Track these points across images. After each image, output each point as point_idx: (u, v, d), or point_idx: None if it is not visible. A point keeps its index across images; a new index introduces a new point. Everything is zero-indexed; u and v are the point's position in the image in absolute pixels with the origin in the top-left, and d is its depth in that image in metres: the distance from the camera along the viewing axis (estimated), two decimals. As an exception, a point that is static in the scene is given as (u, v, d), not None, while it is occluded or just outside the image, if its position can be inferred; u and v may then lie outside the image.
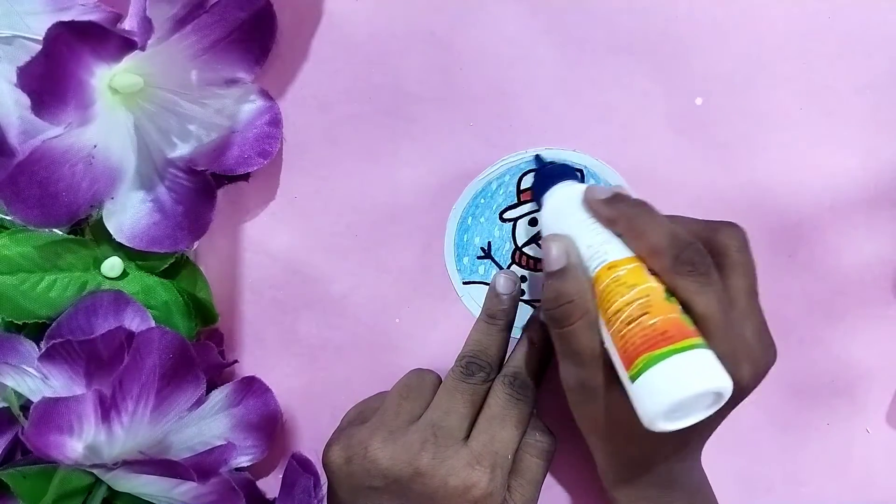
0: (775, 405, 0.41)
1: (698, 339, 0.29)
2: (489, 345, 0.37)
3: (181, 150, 0.37)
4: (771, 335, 0.34)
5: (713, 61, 0.39)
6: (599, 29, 0.38)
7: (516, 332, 0.39)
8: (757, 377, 0.32)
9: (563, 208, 0.35)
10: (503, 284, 0.37)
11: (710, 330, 0.30)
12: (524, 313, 0.40)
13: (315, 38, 0.39)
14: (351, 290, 0.41)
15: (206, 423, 0.37)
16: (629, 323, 0.30)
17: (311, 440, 0.43)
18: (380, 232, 0.41)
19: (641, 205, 0.33)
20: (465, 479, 0.35)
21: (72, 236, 0.37)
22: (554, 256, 0.33)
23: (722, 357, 0.30)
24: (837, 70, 0.38)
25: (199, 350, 0.37)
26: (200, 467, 0.32)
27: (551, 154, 0.39)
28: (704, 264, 0.31)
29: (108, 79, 0.34)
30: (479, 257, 0.41)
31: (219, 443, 0.36)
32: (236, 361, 0.42)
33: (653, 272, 0.31)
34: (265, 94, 0.39)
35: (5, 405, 0.35)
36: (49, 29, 0.29)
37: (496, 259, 0.41)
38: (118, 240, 0.37)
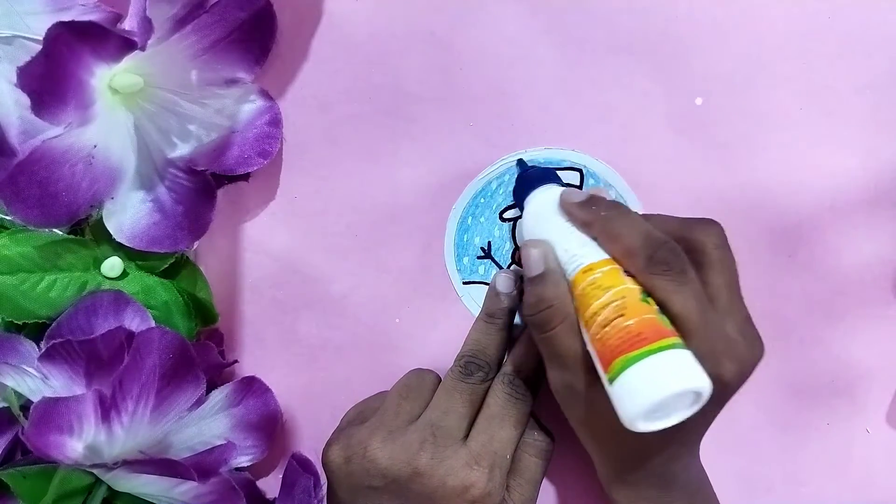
0: (775, 405, 0.41)
1: (675, 339, 0.29)
2: (488, 344, 0.37)
3: (181, 150, 0.37)
4: (756, 330, 0.33)
5: (713, 61, 0.39)
6: (599, 29, 0.38)
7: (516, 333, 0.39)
8: (742, 374, 0.32)
9: (543, 212, 0.35)
10: (503, 284, 0.37)
11: (689, 329, 0.30)
12: (524, 313, 0.40)
13: (315, 38, 0.39)
14: (351, 290, 0.41)
15: (206, 423, 0.37)
16: (605, 325, 0.30)
17: (311, 440, 0.43)
18: (380, 232, 0.41)
19: (616, 206, 0.33)
20: (463, 478, 0.35)
21: (72, 236, 0.37)
22: (532, 262, 0.33)
23: (702, 356, 0.29)
24: (837, 70, 0.38)
25: (199, 350, 0.37)
26: (200, 467, 0.32)
27: (551, 154, 0.39)
28: (679, 263, 0.31)
29: (108, 79, 0.34)
30: (479, 257, 0.41)
31: (219, 443, 0.36)
32: (236, 361, 0.42)
33: (629, 274, 0.31)
34: (265, 94, 0.39)
35: (5, 405, 0.35)
36: (49, 29, 0.29)
37: (496, 259, 0.41)
38: (118, 240, 0.37)
